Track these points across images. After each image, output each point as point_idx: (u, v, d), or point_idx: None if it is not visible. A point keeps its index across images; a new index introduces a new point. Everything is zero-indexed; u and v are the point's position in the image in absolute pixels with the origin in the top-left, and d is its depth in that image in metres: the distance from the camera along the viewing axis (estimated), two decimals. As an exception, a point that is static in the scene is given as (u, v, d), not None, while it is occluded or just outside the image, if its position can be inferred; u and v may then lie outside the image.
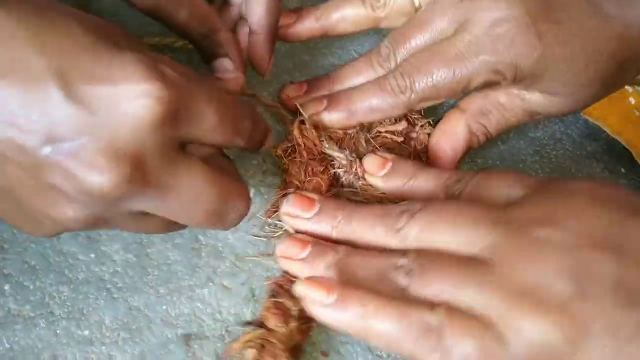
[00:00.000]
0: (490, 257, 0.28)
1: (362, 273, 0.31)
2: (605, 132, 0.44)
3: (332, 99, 0.40)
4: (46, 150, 0.25)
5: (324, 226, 0.34)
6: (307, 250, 0.33)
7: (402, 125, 0.41)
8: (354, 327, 0.29)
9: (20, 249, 0.36)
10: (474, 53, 0.36)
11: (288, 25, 0.43)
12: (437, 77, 0.36)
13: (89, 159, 0.25)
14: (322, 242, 0.33)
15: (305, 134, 0.39)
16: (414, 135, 0.41)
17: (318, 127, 0.40)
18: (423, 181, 0.35)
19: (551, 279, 0.26)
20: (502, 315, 0.26)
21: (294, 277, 0.33)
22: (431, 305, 0.28)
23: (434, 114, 0.42)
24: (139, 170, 0.26)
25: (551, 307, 0.26)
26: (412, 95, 0.37)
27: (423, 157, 0.41)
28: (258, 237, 0.38)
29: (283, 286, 0.34)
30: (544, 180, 0.32)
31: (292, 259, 0.33)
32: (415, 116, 0.41)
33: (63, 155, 0.25)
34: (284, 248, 0.33)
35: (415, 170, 0.36)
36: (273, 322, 0.33)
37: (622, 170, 0.45)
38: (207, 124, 0.28)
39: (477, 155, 0.44)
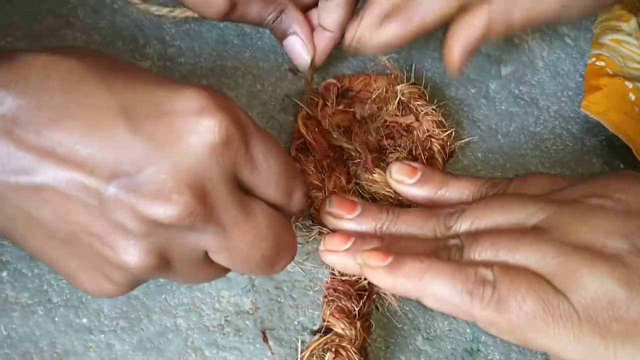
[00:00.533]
0: (545, 226, 0.29)
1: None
2: (605, 128, 0.44)
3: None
4: (112, 187, 0.25)
5: (367, 227, 0.34)
6: (351, 241, 0.33)
7: (410, 119, 0.41)
8: (409, 285, 0.29)
9: (18, 235, 0.36)
10: None
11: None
12: None
13: (154, 189, 0.25)
14: (366, 234, 0.34)
15: (311, 128, 0.39)
16: (416, 124, 0.41)
17: (324, 117, 0.40)
18: (456, 189, 0.35)
19: (605, 237, 0.28)
20: (559, 268, 0.27)
21: (343, 277, 0.34)
22: (486, 263, 0.28)
23: (440, 99, 0.42)
24: (203, 200, 0.26)
25: (607, 258, 0.27)
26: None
27: (422, 150, 0.41)
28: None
29: (337, 288, 0.34)
30: (587, 176, 0.33)
31: (336, 251, 0.33)
32: (420, 103, 0.41)
33: (128, 189, 0.25)
34: (327, 242, 0.33)
35: (446, 179, 0.36)
36: (340, 326, 0.33)
37: (622, 165, 0.45)
38: (266, 178, 0.28)
39: (478, 148, 0.44)
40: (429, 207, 0.35)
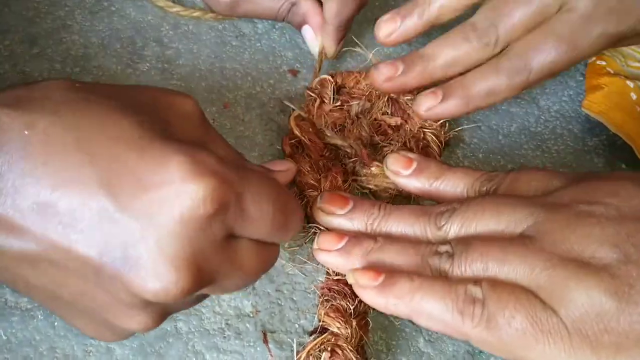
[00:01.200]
0: (533, 234, 0.29)
1: (401, 259, 0.31)
2: (606, 127, 0.44)
3: (447, 89, 0.39)
4: (104, 262, 0.25)
5: (359, 223, 0.34)
6: (344, 241, 0.33)
7: (394, 122, 0.41)
8: (400, 305, 0.29)
9: (17, 240, 0.36)
10: (591, 28, 0.37)
11: (394, 30, 0.41)
12: (555, 55, 0.37)
13: (145, 268, 0.25)
14: (359, 234, 0.33)
15: (305, 129, 0.39)
16: (405, 121, 0.41)
17: (321, 115, 0.39)
18: (451, 182, 0.35)
19: (594, 247, 0.27)
20: (547, 282, 0.27)
21: (337, 276, 0.34)
22: (475, 280, 0.28)
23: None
24: (196, 272, 0.26)
25: (595, 269, 0.26)
26: (531, 76, 0.38)
27: (415, 142, 0.40)
28: (290, 247, 0.38)
29: (331, 288, 0.34)
30: (582, 174, 0.32)
31: (329, 250, 0.33)
32: (408, 97, 0.41)
33: (120, 267, 0.25)
34: (320, 241, 0.33)
35: (442, 170, 0.35)
36: (335, 325, 0.33)
37: (623, 165, 0.45)
38: (259, 224, 0.28)
39: (478, 149, 0.44)
40: (420, 206, 0.35)
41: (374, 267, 0.31)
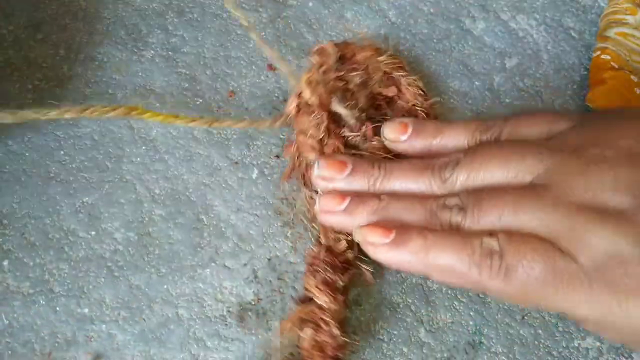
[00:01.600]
0: (545, 182, 0.28)
1: (409, 216, 0.31)
2: (609, 121, 0.44)
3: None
4: None
5: (360, 184, 0.33)
6: (347, 201, 0.32)
7: (392, 92, 0.40)
8: (415, 261, 0.29)
9: (19, 224, 0.36)
10: None
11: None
12: None
13: None
14: (363, 193, 0.33)
15: (317, 89, 0.38)
16: (398, 95, 0.41)
17: (327, 82, 0.39)
18: (451, 136, 0.34)
19: (609, 193, 0.27)
20: (565, 231, 0.27)
21: (333, 235, 0.34)
22: (490, 232, 0.28)
23: (419, 71, 0.42)
24: None
25: (612, 215, 0.26)
26: None
27: (411, 114, 0.40)
28: (293, 236, 0.38)
29: (324, 259, 0.34)
30: (584, 114, 0.31)
31: (333, 211, 0.32)
32: (401, 73, 0.41)
33: None
34: (323, 202, 0.33)
35: (439, 127, 0.35)
36: (323, 299, 0.32)
37: (626, 160, 0.45)
38: None
39: (481, 141, 0.44)
40: (421, 160, 0.34)
41: (382, 224, 0.30)
